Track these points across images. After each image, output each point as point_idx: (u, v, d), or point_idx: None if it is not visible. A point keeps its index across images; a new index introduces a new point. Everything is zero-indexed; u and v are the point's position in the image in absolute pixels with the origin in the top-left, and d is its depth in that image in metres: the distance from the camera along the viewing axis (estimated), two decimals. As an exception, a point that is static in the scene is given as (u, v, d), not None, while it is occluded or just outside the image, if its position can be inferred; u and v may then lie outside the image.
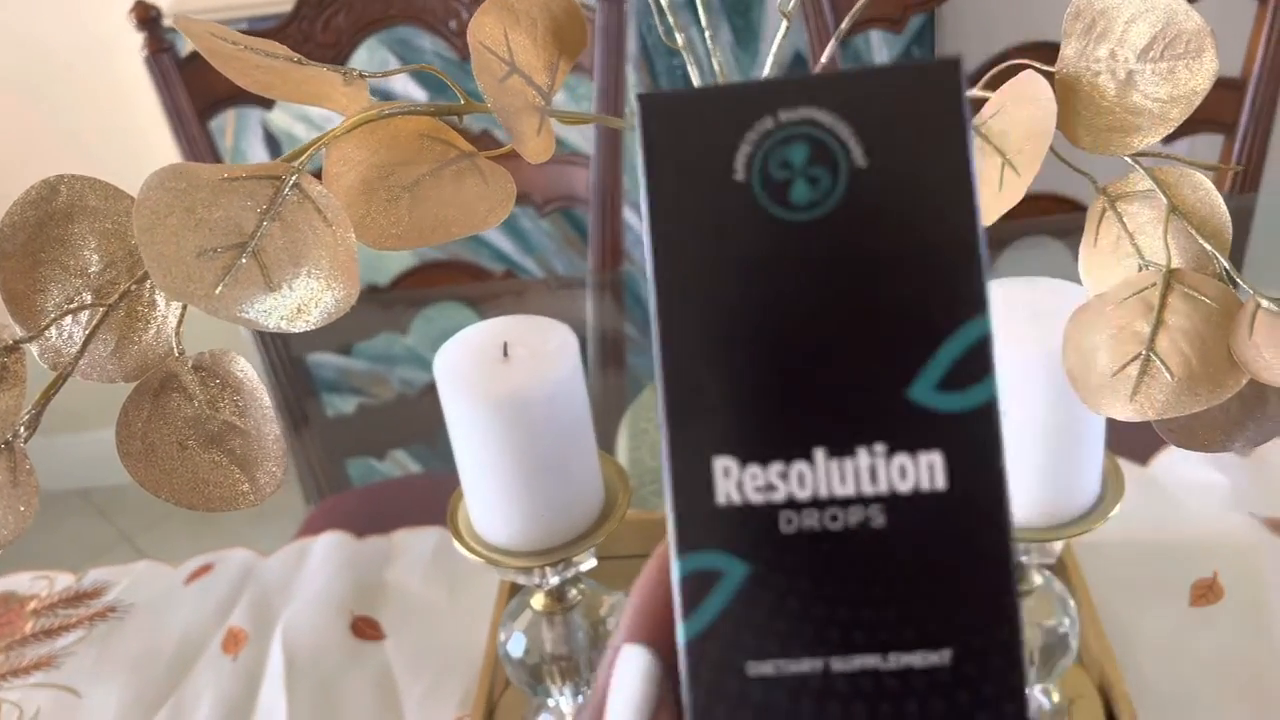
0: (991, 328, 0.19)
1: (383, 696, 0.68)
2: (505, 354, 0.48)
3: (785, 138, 0.19)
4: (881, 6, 1.15)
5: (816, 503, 0.19)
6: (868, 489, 0.19)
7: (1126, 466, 0.78)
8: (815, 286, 0.19)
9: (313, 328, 0.27)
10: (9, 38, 1.68)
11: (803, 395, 0.19)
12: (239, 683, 0.70)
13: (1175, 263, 0.33)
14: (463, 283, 1.18)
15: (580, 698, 0.60)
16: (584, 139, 1.17)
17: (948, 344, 0.19)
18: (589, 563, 0.54)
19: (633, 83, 1.53)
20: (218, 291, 0.26)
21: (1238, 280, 0.32)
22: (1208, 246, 0.33)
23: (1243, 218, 1.01)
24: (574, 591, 0.57)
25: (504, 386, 0.46)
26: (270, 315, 0.26)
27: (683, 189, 0.20)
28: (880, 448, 0.19)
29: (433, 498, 0.89)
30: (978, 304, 0.19)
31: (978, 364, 0.19)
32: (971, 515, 0.19)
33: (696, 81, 0.51)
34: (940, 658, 0.19)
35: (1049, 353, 0.44)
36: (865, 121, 0.19)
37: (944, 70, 0.19)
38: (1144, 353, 0.32)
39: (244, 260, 0.26)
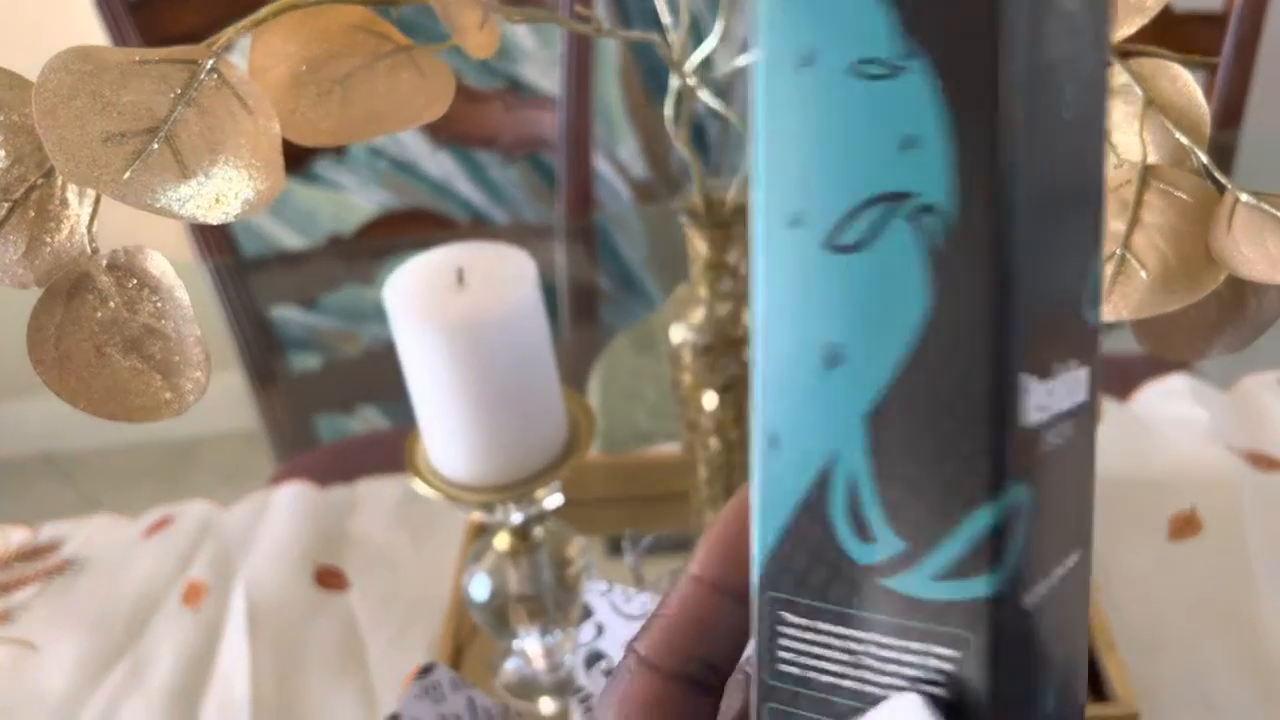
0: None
1: (347, 646, 0.66)
2: (460, 280, 0.46)
3: None
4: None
5: (1057, 418, 0.19)
6: (1068, 405, 0.19)
7: (1106, 403, 0.77)
8: None
9: (232, 218, 0.25)
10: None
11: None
12: (200, 635, 0.68)
13: (1151, 158, 0.32)
14: (430, 232, 1.15)
15: (547, 638, 0.59)
16: (552, 82, 1.14)
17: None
18: (555, 500, 0.52)
19: (603, 17, 1.50)
20: (126, 177, 0.24)
21: (1216, 175, 0.31)
22: (1185, 140, 0.31)
23: (1226, 154, 1.00)
24: (539, 530, 0.55)
25: (459, 312, 0.45)
26: (185, 203, 0.24)
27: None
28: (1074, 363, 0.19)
29: (400, 451, 0.87)
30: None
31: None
32: None
33: (660, 2, 0.49)
34: None
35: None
36: None
37: None
38: (1119, 251, 0.30)
39: (155, 146, 0.24)
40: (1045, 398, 0.18)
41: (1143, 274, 0.30)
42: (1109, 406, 0.76)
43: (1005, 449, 0.17)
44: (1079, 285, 0.19)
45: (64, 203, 0.28)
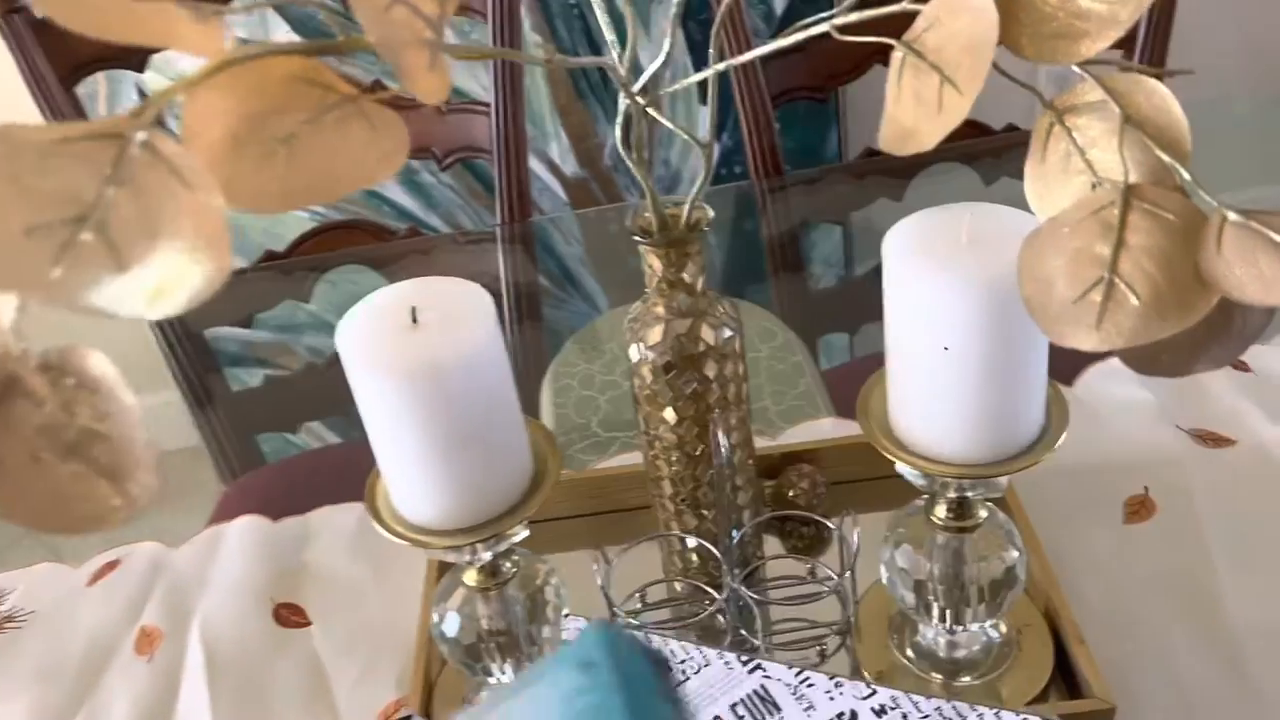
0: None
1: (313, 685, 0.64)
2: (414, 320, 0.44)
3: None
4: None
5: None
6: None
7: (1051, 389, 0.77)
8: None
9: (178, 311, 0.23)
10: None
11: None
12: (156, 684, 0.65)
13: (1132, 177, 0.31)
14: (365, 244, 1.12)
15: (521, 671, 0.57)
16: (481, 87, 1.11)
17: None
18: (521, 534, 0.51)
19: (527, 25, 1.47)
20: (55, 275, 0.21)
21: (1200, 193, 0.30)
22: (1166, 158, 0.31)
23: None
24: (507, 564, 0.54)
25: (414, 356, 0.42)
26: (124, 301, 0.22)
27: None
28: None
29: (351, 470, 0.84)
30: None
31: None
32: None
33: (603, 18, 0.47)
34: None
35: (988, 282, 0.42)
36: None
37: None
38: (1107, 277, 0.30)
39: (86, 236, 0.22)
40: None
41: (1133, 300, 0.29)
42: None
43: None
44: None
45: (-15, 294, 0.25)
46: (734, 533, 0.63)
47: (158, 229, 0.23)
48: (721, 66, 0.44)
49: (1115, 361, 0.78)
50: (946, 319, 0.44)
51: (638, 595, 0.64)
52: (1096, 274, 0.30)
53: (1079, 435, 0.74)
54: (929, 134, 0.34)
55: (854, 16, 0.39)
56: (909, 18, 0.37)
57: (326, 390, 1.11)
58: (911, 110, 0.35)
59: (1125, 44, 1.07)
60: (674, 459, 0.60)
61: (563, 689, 0.24)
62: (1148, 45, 1.08)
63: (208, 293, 0.23)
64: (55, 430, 0.24)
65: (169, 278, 0.23)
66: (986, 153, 1.19)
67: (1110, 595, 0.63)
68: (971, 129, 1.12)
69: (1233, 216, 0.29)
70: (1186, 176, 0.30)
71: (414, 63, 0.29)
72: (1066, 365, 0.78)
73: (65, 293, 0.21)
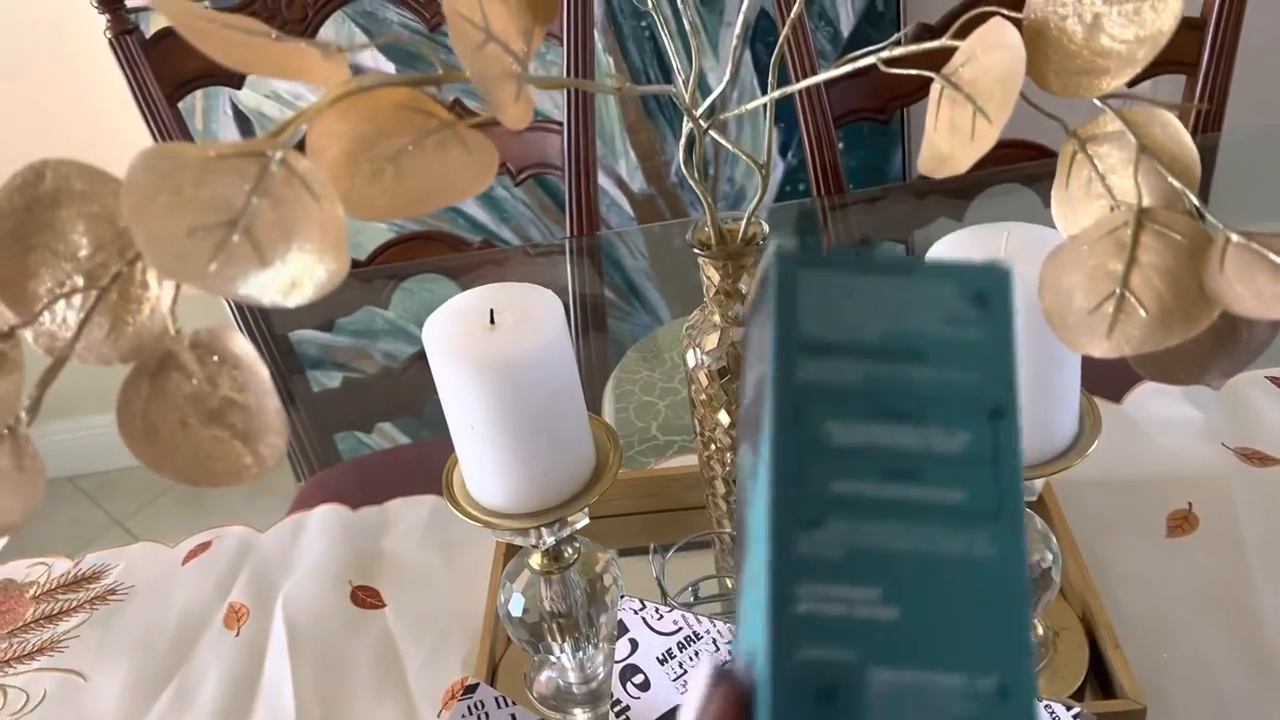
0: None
1: (385, 663, 0.69)
2: (492, 321, 0.48)
3: None
4: (847, -42, 1.15)
5: None
6: None
7: (1100, 404, 0.79)
8: None
9: (307, 301, 0.27)
10: (-35, 24, 1.65)
11: None
12: (243, 657, 0.71)
13: (1146, 201, 0.34)
14: (441, 254, 1.17)
15: (580, 653, 0.61)
16: (555, 105, 1.16)
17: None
18: (582, 521, 0.55)
19: (600, 47, 1.52)
20: (212, 269, 0.26)
21: (1207, 216, 0.33)
22: (1177, 184, 0.34)
23: (1206, 157, 1.02)
24: (569, 550, 0.58)
25: (492, 353, 0.47)
26: (265, 290, 0.27)
27: None
28: None
29: (421, 467, 0.90)
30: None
31: None
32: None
33: (667, 42, 0.51)
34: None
35: (1024, 295, 0.45)
36: None
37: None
38: (1119, 291, 0.33)
39: (236, 237, 0.27)
40: None
41: (1142, 312, 0.32)
42: (1103, 408, 0.79)
43: None
44: None
45: (144, 285, 0.30)
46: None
47: (292, 233, 0.28)
48: (778, 94, 0.48)
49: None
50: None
51: (690, 589, 0.68)
52: (1110, 288, 0.33)
53: (1124, 450, 0.76)
54: (962, 159, 0.37)
55: (899, 51, 0.42)
56: (950, 52, 0.40)
57: (400, 393, 1.17)
58: (947, 137, 0.38)
59: (1190, 70, 1.08)
60: (727, 460, 0.63)
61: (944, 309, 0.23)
62: (1211, 71, 1.09)
63: (330, 287, 0.28)
64: (201, 399, 0.29)
65: (301, 273, 0.27)
66: (1047, 174, 1.20)
67: (1149, 605, 0.64)
68: (1032, 151, 1.14)
69: (1235, 238, 0.32)
70: (1195, 201, 0.33)
71: (503, 95, 0.33)
72: (1115, 383, 0.80)
73: (219, 283, 0.26)
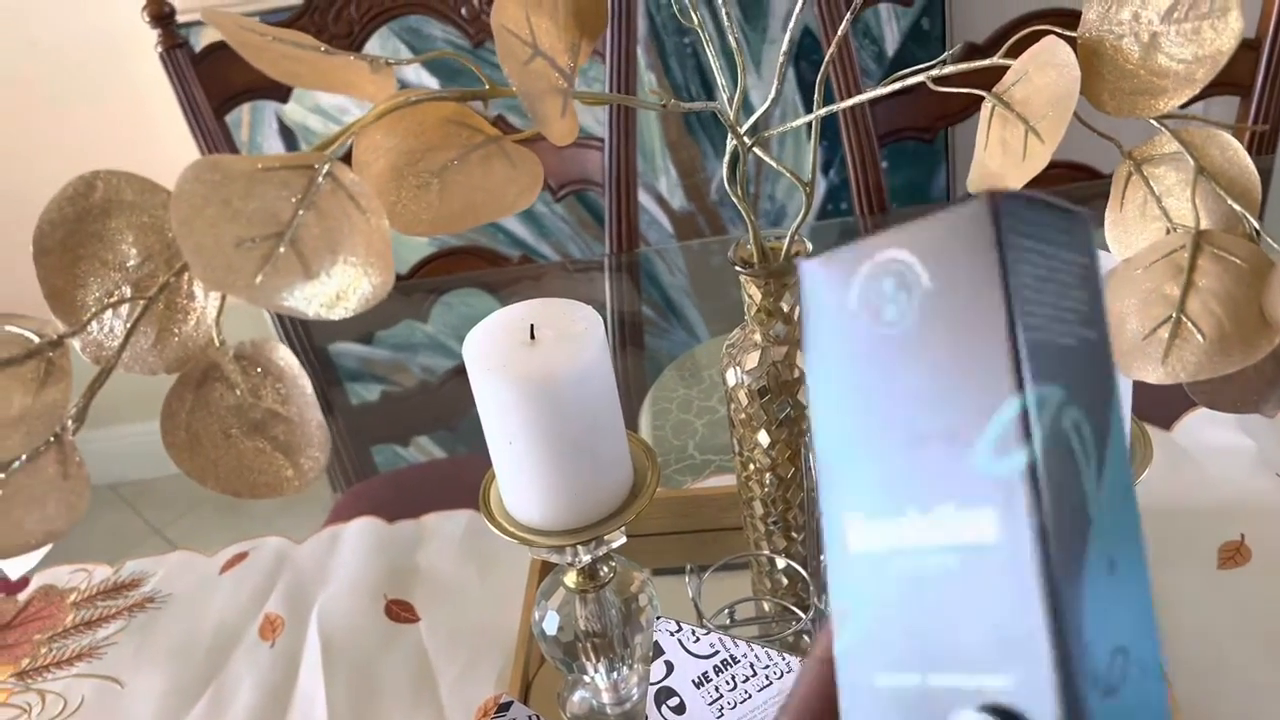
0: (1030, 402, 0.23)
1: (419, 678, 0.69)
2: (532, 336, 0.48)
3: (879, 273, 0.25)
4: (892, -23, 1.14)
5: (913, 551, 0.23)
6: (944, 540, 0.23)
7: (1151, 431, 0.78)
8: (904, 380, 0.24)
9: (351, 314, 0.27)
10: (21, 38, 1.68)
11: (900, 465, 0.24)
12: (277, 668, 0.71)
13: (1204, 224, 0.33)
14: (480, 269, 1.18)
15: (614, 673, 0.61)
16: (596, 121, 1.17)
17: (995, 419, 0.23)
18: (619, 540, 0.54)
19: (643, 63, 1.53)
20: (258, 281, 0.26)
21: (1269, 240, 0.32)
22: (1236, 207, 0.33)
23: (1260, 179, 1.01)
24: (605, 569, 0.57)
25: (532, 368, 0.47)
26: (310, 303, 0.27)
27: (823, 322, 0.26)
28: (951, 506, 0.23)
29: (457, 482, 0.90)
30: (1016, 386, 0.23)
31: (1018, 434, 0.22)
32: (1017, 564, 0.22)
33: (711, 59, 0.51)
34: (1003, 681, 0.22)
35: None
36: (928, 254, 0.24)
37: (981, 209, 0.23)
38: (1175, 315, 0.32)
39: (282, 249, 0.27)
40: None
41: (1199, 338, 0.31)
42: (1154, 436, 0.77)
43: None
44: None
45: (190, 296, 0.30)
46: (823, 555, 0.65)
47: (338, 245, 0.28)
48: (823, 112, 0.48)
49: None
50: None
51: (727, 611, 0.67)
52: (1165, 312, 0.32)
53: (1175, 478, 0.75)
54: (1014, 179, 0.37)
55: (949, 69, 0.42)
56: (1000, 71, 0.40)
57: (437, 407, 1.18)
58: (998, 157, 0.38)
59: (1244, 91, 1.06)
60: (766, 481, 0.63)
61: None
62: (1265, 95, 1.07)
63: (375, 300, 0.28)
64: (244, 411, 0.29)
65: (346, 286, 0.27)
66: (1096, 195, 1.19)
67: (1198, 637, 0.63)
68: (1081, 172, 1.13)
69: (1297, 263, 0.31)
70: (1255, 224, 0.32)
71: (549, 111, 0.33)
72: (1166, 410, 0.78)
73: (265, 295, 0.26)
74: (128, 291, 0.30)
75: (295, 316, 0.26)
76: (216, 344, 0.29)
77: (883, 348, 0.25)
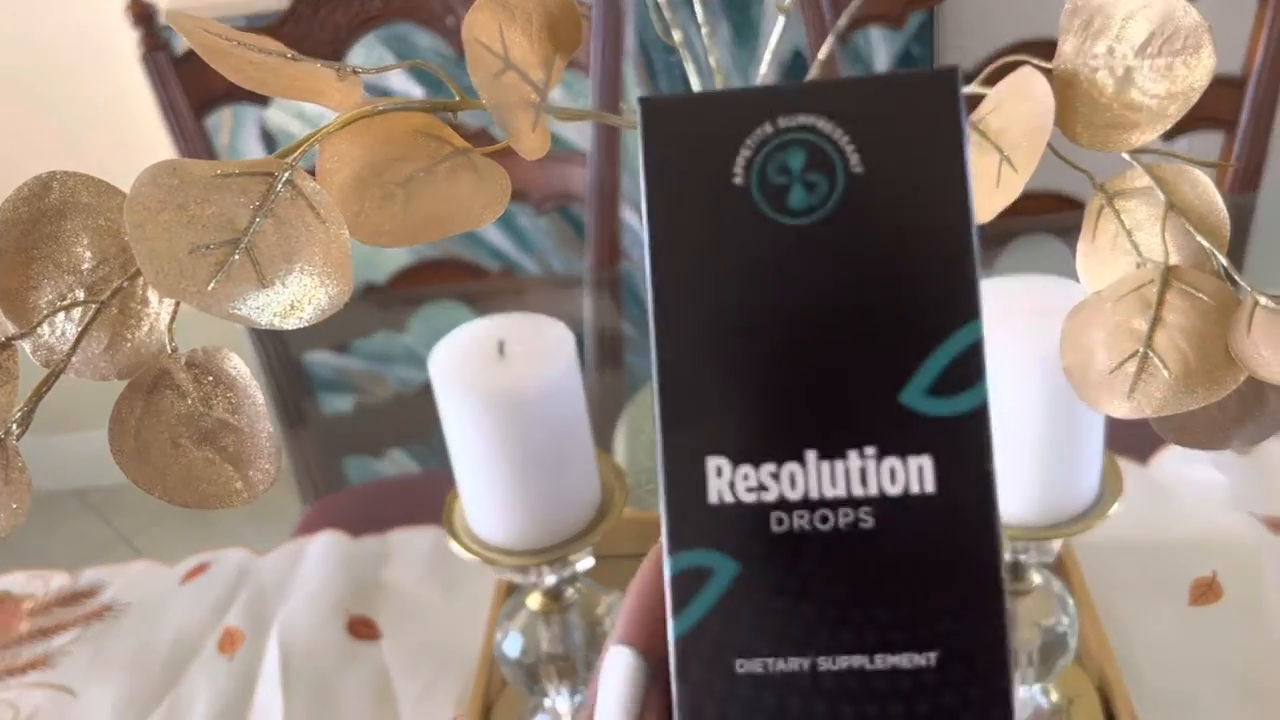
0: (983, 334, 0.19)
1: (379, 697, 0.68)
2: (501, 352, 0.47)
3: (784, 143, 0.20)
4: (881, 3, 1.15)
5: (807, 504, 0.20)
6: (858, 491, 0.20)
7: (1126, 466, 0.78)
8: (810, 290, 0.20)
9: (305, 324, 0.26)
10: (2, 37, 1.67)
11: (795, 397, 0.20)
12: (235, 682, 0.70)
13: (1173, 260, 0.33)
14: (460, 281, 1.17)
15: (577, 697, 0.60)
16: (581, 136, 1.17)
17: (939, 350, 0.19)
18: (586, 562, 0.54)
19: (631, 80, 1.53)
20: (210, 288, 0.25)
21: (1236, 278, 0.32)
22: (1205, 244, 0.33)
23: (1243, 216, 1.01)
24: (571, 591, 0.56)
25: (499, 384, 0.46)
26: (263, 312, 0.26)
27: (683, 191, 0.20)
28: (871, 450, 0.19)
29: (429, 497, 0.89)
30: (970, 311, 0.19)
31: (969, 369, 0.19)
32: (959, 519, 0.19)
33: (694, 79, 0.50)
34: (926, 660, 0.19)
35: (1047, 350, 0.44)
36: (862, 129, 0.19)
37: (941, 80, 0.20)
38: (1142, 350, 0.32)
39: (237, 257, 0.26)
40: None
41: (1165, 373, 0.31)
42: (1129, 470, 0.77)
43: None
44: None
45: (145, 301, 0.30)
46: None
47: (295, 254, 0.27)
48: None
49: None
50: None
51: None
52: (1133, 347, 0.32)
53: (1149, 514, 0.74)
54: (986, 209, 0.37)
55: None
56: (978, 99, 0.40)
57: (412, 420, 1.17)
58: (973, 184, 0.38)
59: (1227, 128, 1.07)
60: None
61: None
62: (1248, 132, 1.08)
63: (330, 311, 0.27)
64: (194, 420, 0.28)
65: (301, 296, 0.27)
66: (1077, 226, 1.20)
67: (1169, 675, 0.62)
68: (1061, 203, 1.13)
69: (1264, 301, 0.31)
70: (1223, 261, 0.32)
71: (520, 124, 0.32)
72: (1142, 445, 0.79)
73: (218, 302, 0.25)
74: (81, 295, 0.30)
75: (247, 325, 0.25)
76: (169, 351, 0.28)
77: (780, 244, 0.20)
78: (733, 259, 0.20)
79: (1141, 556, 0.70)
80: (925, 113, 0.19)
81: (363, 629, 0.72)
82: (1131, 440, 0.76)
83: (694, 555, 0.20)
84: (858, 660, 0.19)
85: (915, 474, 0.19)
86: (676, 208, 0.20)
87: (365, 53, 1.41)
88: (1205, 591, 0.68)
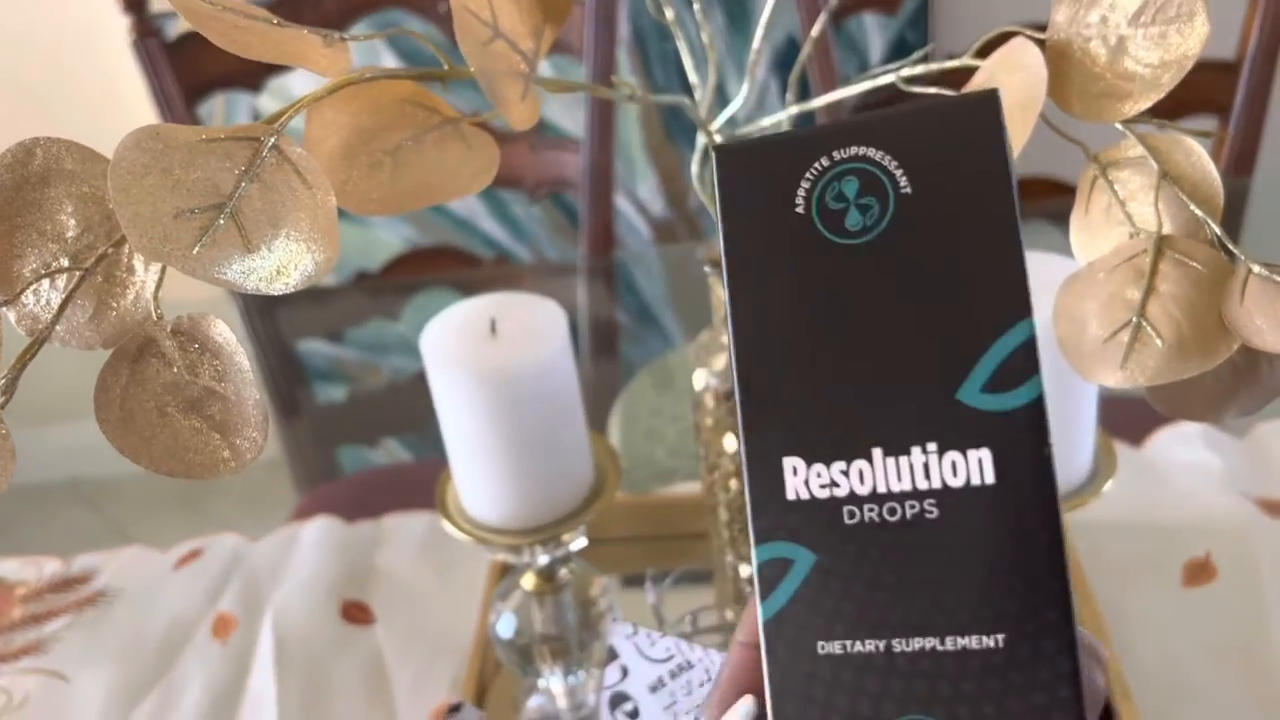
0: (1034, 332, 0.21)
1: (373, 681, 0.67)
2: (493, 330, 0.47)
3: (839, 173, 0.22)
4: (874, -10, 1.15)
5: (875, 497, 0.21)
6: (922, 484, 0.21)
7: (1120, 448, 0.78)
8: (869, 302, 0.21)
9: (292, 290, 0.26)
10: (-5, 25, 1.66)
11: (860, 400, 0.21)
12: (228, 668, 0.69)
13: (1166, 229, 0.33)
14: (454, 269, 1.17)
15: (571, 678, 0.60)
16: (575, 123, 1.16)
17: (993, 350, 0.21)
18: (579, 542, 0.53)
19: (625, 67, 1.52)
20: (195, 252, 0.25)
21: (1229, 247, 0.32)
22: (1199, 212, 0.33)
23: (1237, 201, 1.01)
24: (564, 571, 0.56)
25: (491, 362, 0.46)
26: (249, 276, 0.26)
27: (752, 222, 0.22)
28: (932, 446, 0.21)
29: (423, 485, 0.88)
30: (1020, 311, 0.21)
31: (1023, 366, 0.21)
32: (1019, 508, 0.21)
33: (687, 60, 0.50)
34: (995, 641, 0.20)
35: (1040, 326, 0.44)
36: (909, 153, 0.21)
37: (983, 105, 0.21)
38: (1135, 319, 0.32)
39: (222, 221, 0.26)
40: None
41: (1158, 342, 0.31)
42: (1122, 452, 0.77)
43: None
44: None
45: (130, 269, 0.29)
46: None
47: (281, 220, 0.27)
48: (796, 110, 0.47)
49: (1185, 425, 0.78)
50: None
51: (689, 618, 0.66)
52: (1126, 316, 0.32)
53: (1143, 495, 0.74)
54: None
55: (919, 70, 0.41)
56: (970, 72, 0.39)
57: (406, 409, 1.16)
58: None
59: (1222, 111, 1.07)
60: (731, 487, 0.62)
61: None
62: (1243, 117, 1.08)
63: (318, 278, 0.27)
64: (180, 388, 0.28)
65: (287, 261, 0.26)
66: (1069, 212, 1.20)
67: (1163, 656, 0.63)
68: (1055, 189, 1.13)
69: (1257, 269, 0.31)
70: (1217, 230, 0.32)
71: (508, 93, 0.32)
72: (1136, 427, 0.79)
73: (203, 266, 0.25)
74: (65, 262, 0.29)
75: (233, 289, 0.25)
76: (154, 319, 0.28)
77: (841, 262, 0.21)
78: (799, 279, 0.22)
79: (1135, 538, 0.70)
80: (967, 132, 0.21)
81: (357, 613, 0.72)
82: (1125, 423, 0.76)
83: (776, 547, 0.22)
84: (929, 642, 0.21)
85: (975, 466, 0.21)
86: (747, 237, 0.22)
87: (358, 40, 1.41)
88: (1198, 573, 0.68)
